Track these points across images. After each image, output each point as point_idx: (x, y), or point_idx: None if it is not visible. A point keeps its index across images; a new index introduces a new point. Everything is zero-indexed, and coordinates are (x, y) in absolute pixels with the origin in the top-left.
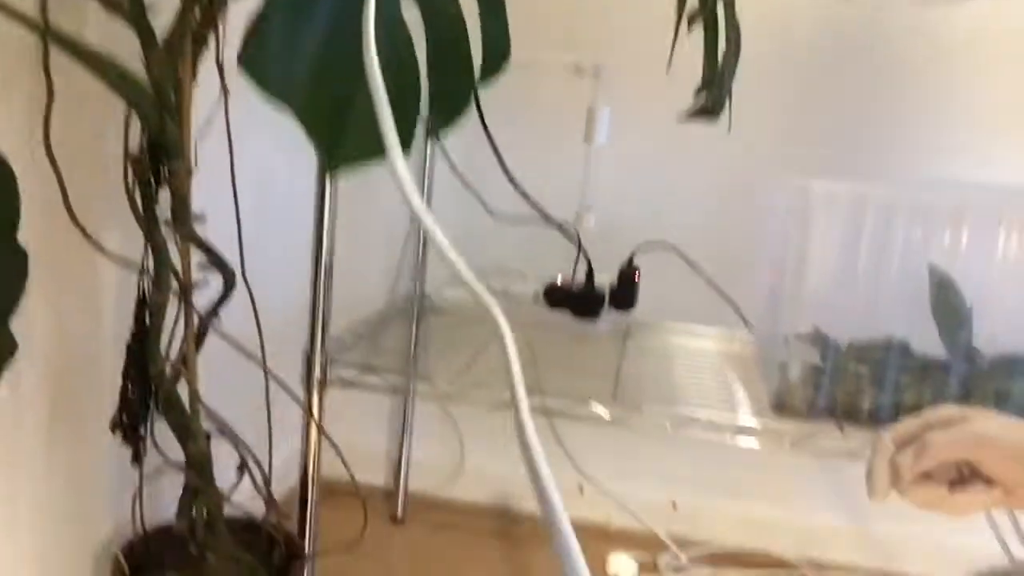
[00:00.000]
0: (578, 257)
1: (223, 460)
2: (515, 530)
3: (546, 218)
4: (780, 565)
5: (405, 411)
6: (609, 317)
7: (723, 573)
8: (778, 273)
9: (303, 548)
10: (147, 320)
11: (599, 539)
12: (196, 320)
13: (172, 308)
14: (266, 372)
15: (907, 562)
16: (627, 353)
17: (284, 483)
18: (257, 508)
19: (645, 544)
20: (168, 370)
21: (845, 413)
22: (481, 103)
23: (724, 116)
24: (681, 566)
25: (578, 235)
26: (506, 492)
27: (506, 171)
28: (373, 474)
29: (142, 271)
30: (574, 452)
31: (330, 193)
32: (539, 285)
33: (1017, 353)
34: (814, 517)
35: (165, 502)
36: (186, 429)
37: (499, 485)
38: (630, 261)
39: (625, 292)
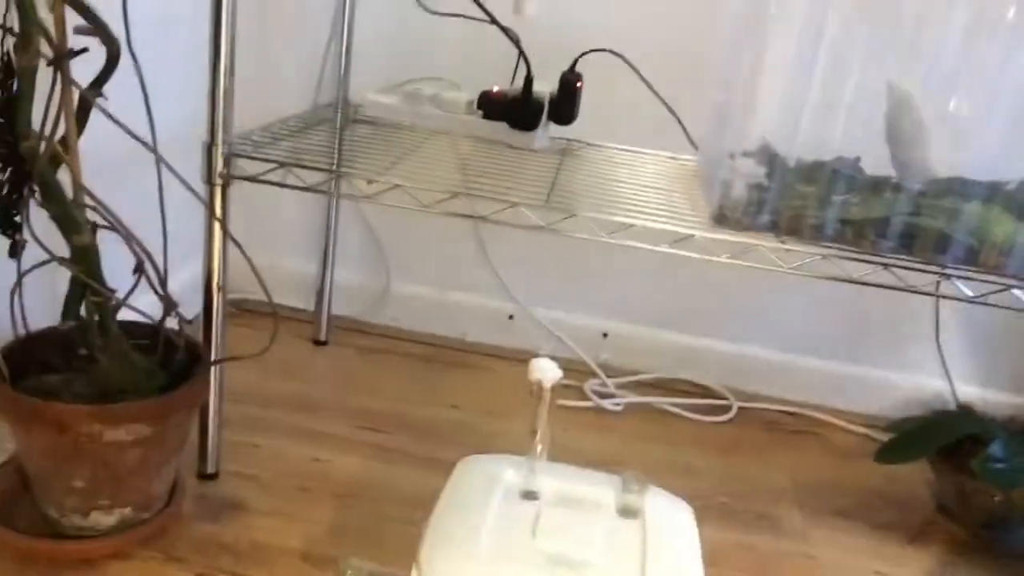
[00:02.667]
0: (518, 62)
1: (119, 267)
2: (440, 355)
3: (484, 10)
4: (705, 394)
5: (328, 231)
6: (548, 131)
7: (648, 399)
8: (729, 87)
9: (206, 353)
10: (14, 88)
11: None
12: (76, 95)
13: (46, 80)
14: (157, 156)
15: (833, 396)
16: (564, 167)
17: (195, 305)
18: (159, 315)
19: (575, 373)
20: (43, 149)
21: (788, 229)
22: None
23: None
24: (607, 392)
25: (517, 38)
26: (432, 318)
27: None
28: (296, 298)
29: (4, 28)
30: (506, 280)
31: None
32: (473, 93)
33: (970, 175)
34: (743, 349)
35: (54, 305)
36: (69, 218)
37: (426, 310)
38: (572, 68)
39: (566, 103)
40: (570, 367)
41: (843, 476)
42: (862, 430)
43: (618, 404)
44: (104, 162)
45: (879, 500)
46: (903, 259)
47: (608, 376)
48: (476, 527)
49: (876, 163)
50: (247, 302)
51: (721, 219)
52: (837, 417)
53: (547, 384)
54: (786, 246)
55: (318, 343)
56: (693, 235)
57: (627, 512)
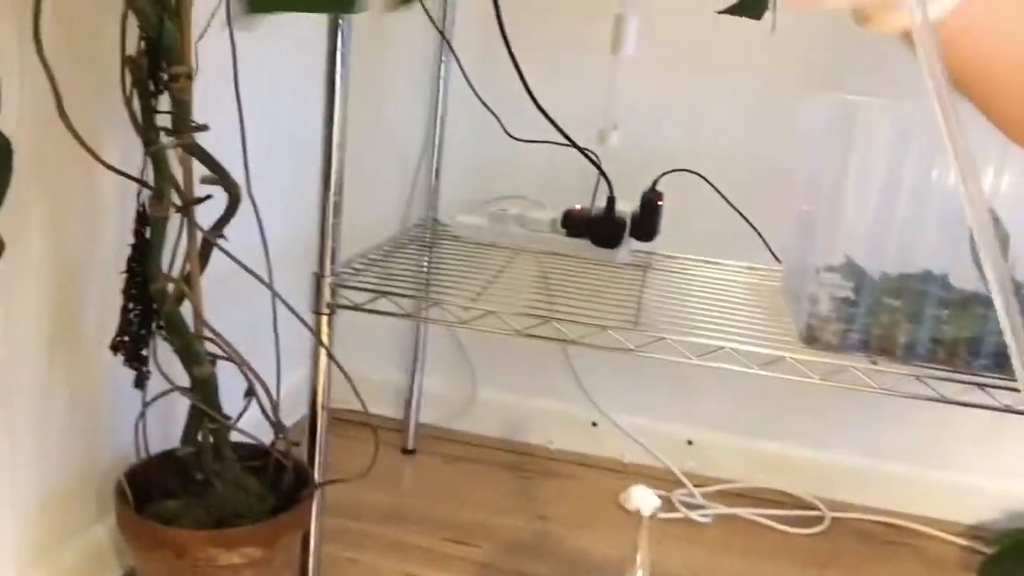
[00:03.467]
0: (599, 181)
1: (230, 388)
2: (525, 463)
3: (566, 138)
4: (796, 504)
5: (417, 341)
6: (630, 246)
7: (737, 510)
8: (812, 199)
9: (312, 475)
10: (147, 235)
11: (613, 475)
12: (199, 238)
13: (175, 225)
14: (273, 292)
15: (926, 504)
16: (648, 284)
17: (293, 414)
18: (266, 437)
19: (660, 481)
20: (171, 289)
21: (879, 348)
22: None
23: (767, 18)
24: (695, 503)
25: (598, 159)
26: (517, 425)
27: (526, 86)
28: (384, 406)
29: (141, 182)
30: (589, 387)
31: (340, 103)
32: (558, 212)
33: None
34: (832, 457)
35: (171, 428)
36: (190, 351)
37: (510, 417)
38: (653, 187)
39: (647, 220)
40: (654, 475)
41: None
42: (963, 542)
43: (706, 516)
44: (222, 291)
45: None
46: (997, 377)
47: (695, 485)
48: None
49: (963, 278)
50: (338, 411)
51: (811, 340)
52: (932, 527)
53: (646, 512)
54: (878, 367)
55: (407, 452)
56: (784, 357)
57: None
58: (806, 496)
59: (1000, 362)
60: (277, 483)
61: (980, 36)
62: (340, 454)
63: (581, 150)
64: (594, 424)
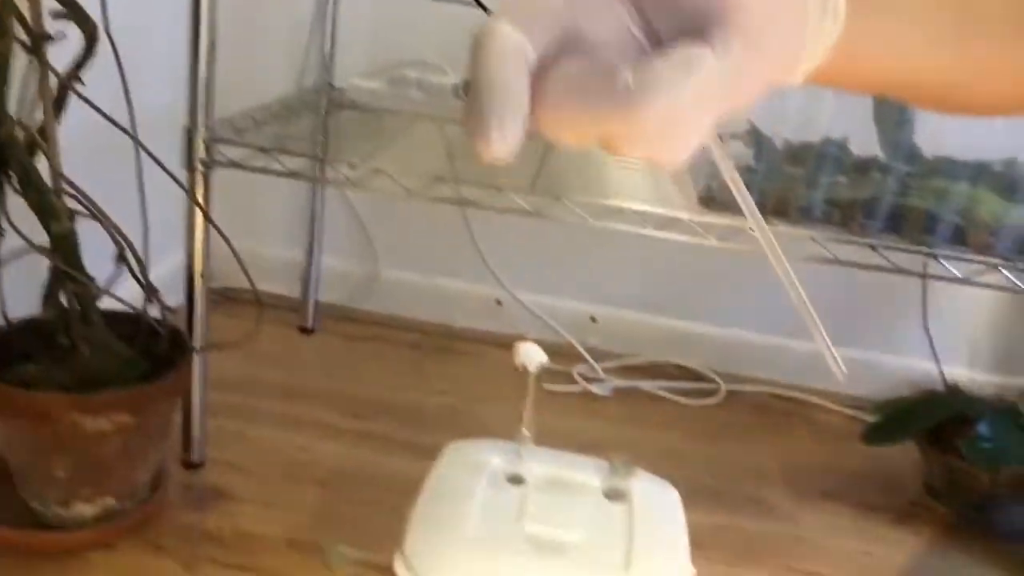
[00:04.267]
0: None
1: (102, 255)
2: (427, 341)
3: None
4: (694, 378)
5: (313, 216)
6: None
7: (636, 383)
8: None
9: (188, 342)
10: None
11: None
12: (53, 82)
13: (25, 67)
14: (136, 142)
15: (820, 378)
16: (551, 151)
17: (180, 293)
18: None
19: (562, 358)
20: (21, 136)
21: (775, 211)
22: None
23: None
24: (595, 376)
25: None
26: (420, 304)
27: None
28: (281, 284)
29: None
30: (493, 265)
31: None
32: (459, 78)
33: (957, 154)
34: (730, 332)
35: (30, 292)
36: (46, 206)
37: (413, 297)
38: None
39: None
40: (558, 351)
41: (831, 458)
42: (850, 412)
43: (606, 388)
44: (84, 150)
45: (867, 481)
46: (891, 241)
47: (596, 360)
48: (461, 512)
49: (863, 145)
50: (231, 290)
51: (708, 201)
52: (825, 399)
53: (532, 368)
54: (772, 228)
55: (304, 331)
56: (680, 218)
57: (614, 495)
58: (704, 370)
59: (894, 224)
60: (151, 350)
61: (868, 60)
62: (232, 333)
63: (486, 8)
64: (498, 302)
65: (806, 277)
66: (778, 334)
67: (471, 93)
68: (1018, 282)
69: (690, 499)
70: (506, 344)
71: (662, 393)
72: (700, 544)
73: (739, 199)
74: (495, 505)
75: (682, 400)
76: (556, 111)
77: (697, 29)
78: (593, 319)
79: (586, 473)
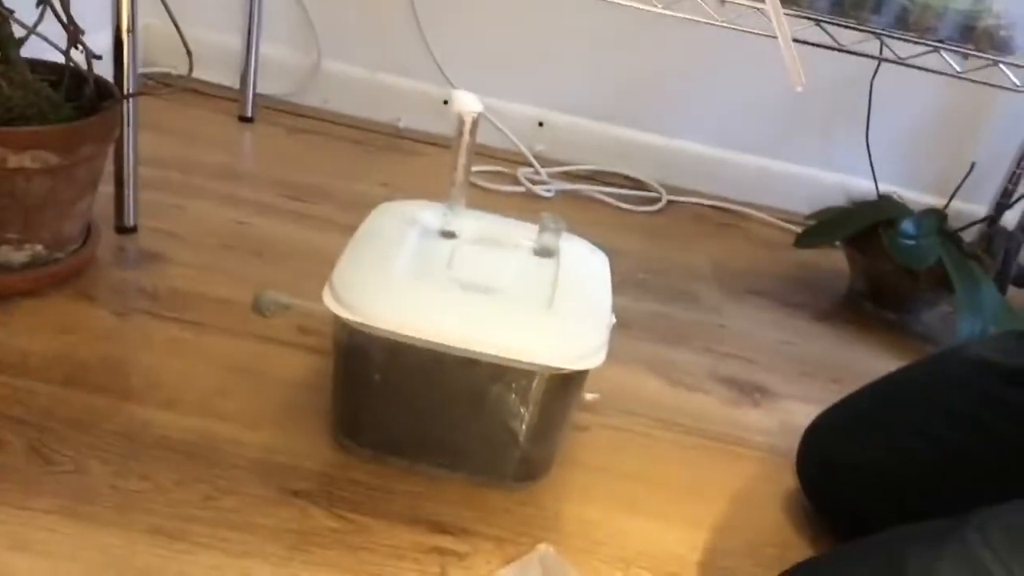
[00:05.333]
0: None
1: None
2: (371, 139)
3: None
4: (637, 186)
5: (251, 1)
6: None
7: (580, 188)
8: None
9: (115, 89)
10: None
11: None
12: None
13: None
14: None
15: (761, 193)
16: None
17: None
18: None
19: (508, 163)
20: None
21: None
22: None
23: None
24: (540, 180)
25: None
26: (365, 101)
27: None
28: (220, 74)
29: None
30: (442, 63)
31: None
32: None
33: None
34: (677, 144)
35: None
36: None
37: (358, 93)
38: None
39: None
40: (504, 156)
41: (762, 263)
42: (786, 224)
43: (549, 190)
44: None
45: (793, 284)
46: (837, 21)
47: (542, 166)
48: (391, 254)
49: None
50: (170, 76)
51: None
52: (763, 211)
53: (467, 117)
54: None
55: (244, 120)
56: None
57: (543, 252)
58: (648, 180)
59: (840, 2)
60: (77, 97)
61: None
62: (169, 116)
63: None
64: (445, 103)
65: (752, 93)
66: (722, 146)
67: None
68: (955, 65)
69: (623, 288)
70: (450, 145)
71: (605, 198)
72: (629, 325)
73: None
74: (425, 252)
75: (624, 206)
76: None
77: None
78: (540, 124)
79: (518, 232)
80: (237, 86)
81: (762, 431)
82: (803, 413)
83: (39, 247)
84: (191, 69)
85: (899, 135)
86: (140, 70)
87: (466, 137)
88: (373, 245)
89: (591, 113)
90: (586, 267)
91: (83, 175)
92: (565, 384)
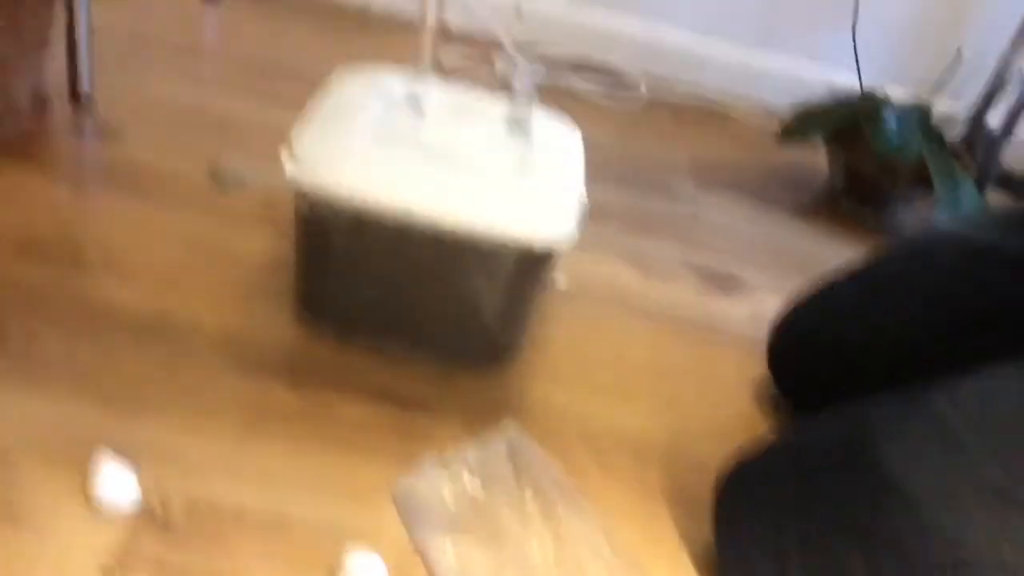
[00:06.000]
0: None
1: None
2: (343, 23)
3: None
4: (616, 80)
5: None
6: None
7: (559, 82)
8: None
9: None
10: None
11: (437, 39)
12: None
13: None
14: None
15: (744, 85)
16: None
17: None
18: None
19: (485, 49)
20: None
21: None
22: None
23: None
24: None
25: None
26: None
27: None
28: None
29: None
30: None
31: None
32: None
33: None
34: (658, 30)
35: None
36: None
37: None
38: None
39: None
40: (480, 43)
41: (743, 158)
42: (768, 119)
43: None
44: None
45: (774, 180)
46: None
47: (520, 54)
48: (354, 120)
49: None
50: None
51: None
52: (747, 105)
53: None
54: None
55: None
56: None
57: (515, 125)
58: (629, 70)
59: None
60: None
61: None
62: None
63: None
64: None
65: None
66: (706, 34)
67: None
68: None
69: (599, 179)
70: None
71: (583, 91)
72: (605, 215)
73: None
74: (390, 120)
75: (603, 101)
76: None
77: None
78: (519, 9)
79: (489, 104)
80: None
81: (733, 320)
82: (774, 304)
83: None
84: None
85: (886, 27)
86: None
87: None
88: (336, 111)
89: None
90: (559, 143)
91: (29, 33)
92: (535, 263)
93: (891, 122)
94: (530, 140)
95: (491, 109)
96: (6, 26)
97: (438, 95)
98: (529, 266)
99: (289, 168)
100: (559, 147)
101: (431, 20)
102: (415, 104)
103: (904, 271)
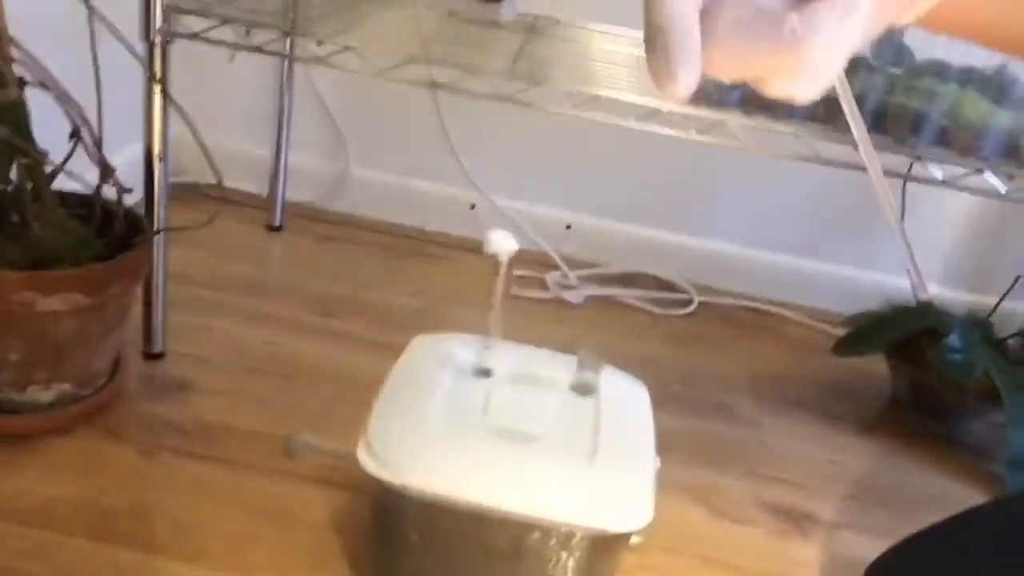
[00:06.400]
0: None
1: (51, 128)
2: (399, 244)
3: None
4: (667, 288)
5: (281, 110)
6: (514, 4)
7: (609, 291)
8: None
9: (146, 223)
10: None
11: (489, 258)
12: None
13: None
14: (88, 8)
15: (794, 292)
16: (530, 42)
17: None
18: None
19: (537, 265)
20: None
21: (759, 105)
22: None
23: None
24: (569, 284)
25: None
26: (392, 206)
27: None
28: (249, 182)
29: None
30: (468, 168)
31: None
32: None
33: (947, 58)
34: (706, 244)
35: None
36: None
37: (386, 198)
38: None
39: None
40: (532, 259)
41: (800, 369)
42: (822, 326)
43: (579, 296)
44: (39, 22)
45: (834, 393)
46: (875, 140)
47: (571, 268)
48: (425, 401)
49: None
50: (199, 186)
51: (693, 95)
52: (797, 312)
53: (503, 257)
54: (754, 122)
55: (273, 229)
56: (661, 109)
57: (582, 389)
58: (677, 280)
59: (880, 124)
60: (107, 233)
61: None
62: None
63: None
64: (472, 206)
65: (783, 191)
66: (753, 247)
67: (652, 35)
68: (1000, 185)
69: (658, 404)
70: (479, 249)
71: (634, 302)
72: (667, 447)
73: (853, 129)
74: (461, 396)
75: (654, 310)
76: (728, 51)
77: None
78: (568, 227)
79: (554, 368)
80: (266, 194)
81: (814, 566)
82: (856, 544)
83: (66, 385)
84: (220, 181)
85: (935, 233)
86: (170, 179)
87: (501, 276)
88: (407, 391)
89: (619, 214)
90: (627, 406)
91: (112, 313)
92: (609, 542)
93: (954, 341)
94: (598, 404)
95: (557, 370)
96: (91, 311)
97: (505, 360)
98: (605, 546)
99: (365, 458)
100: (627, 409)
101: (498, 296)
102: (484, 373)
103: (1007, 540)
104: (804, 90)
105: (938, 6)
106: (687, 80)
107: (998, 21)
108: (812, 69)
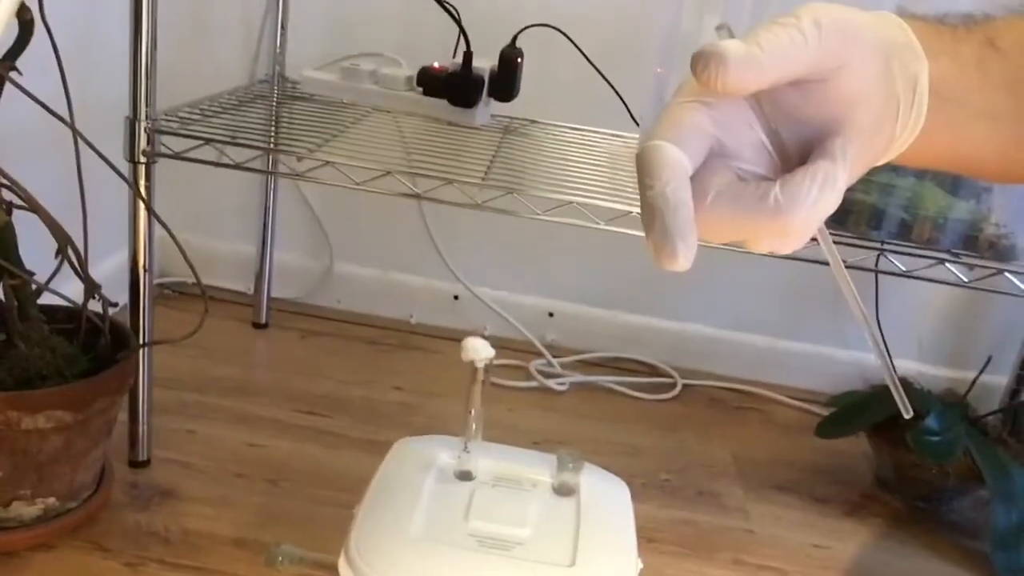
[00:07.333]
0: (458, 38)
1: (37, 247)
2: (384, 337)
3: None
4: (650, 372)
5: (266, 210)
6: (489, 109)
7: (592, 378)
8: (666, 60)
9: (131, 336)
10: None
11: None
12: None
13: None
14: (72, 129)
15: (775, 373)
16: (505, 144)
17: (124, 286)
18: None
19: (521, 353)
20: None
21: None
22: None
23: None
24: (553, 372)
25: (457, 13)
26: (376, 299)
27: None
28: (234, 280)
29: None
30: (450, 261)
31: None
32: (414, 70)
33: None
34: (687, 327)
35: None
36: None
37: (369, 292)
38: (512, 43)
39: (506, 79)
40: (516, 347)
41: (784, 451)
42: (803, 405)
43: (563, 383)
44: (23, 142)
45: (818, 475)
46: (839, 234)
47: (554, 356)
48: (407, 510)
49: None
50: (183, 286)
51: None
52: (779, 393)
53: (480, 364)
54: None
55: (258, 326)
56: (632, 212)
57: (562, 490)
58: (660, 364)
59: (841, 219)
60: (93, 347)
61: (940, 144)
62: (183, 329)
63: (440, 2)
64: (455, 297)
65: (759, 274)
66: (734, 329)
67: (648, 209)
68: (962, 276)
69: (644, 493)
70: (462, 339)
71: (618, 387)
72: (652, 538)
73: (830, 258)
74: (442, 502)
75: (638, 395)
76: (717, 219)
77: (818, 138)
78: (551, 314)
79: (535, 468)
80: (251, 291)
81: None
82: None
83: (51, 500)
84: (204, 293)
85: (909, 310)
86: (156, 280)
87: (479, 383)
88: (389, 499)
89: (601, 301)
90: (608, 506)
91: (97, 428)
92: None
93: (932, 424)
94: (579, 505)
95: (538, 472)
96: (76, 427)
97: (486, 463)
98: None
99: (344, 570)
100: (608, 509)
101: (477, 404)
102: (465, 476)
103: None
104: (787, 248)
105: (909, 148)
106: (686, 255)
107: (969, 156)
108: (795, 233)
